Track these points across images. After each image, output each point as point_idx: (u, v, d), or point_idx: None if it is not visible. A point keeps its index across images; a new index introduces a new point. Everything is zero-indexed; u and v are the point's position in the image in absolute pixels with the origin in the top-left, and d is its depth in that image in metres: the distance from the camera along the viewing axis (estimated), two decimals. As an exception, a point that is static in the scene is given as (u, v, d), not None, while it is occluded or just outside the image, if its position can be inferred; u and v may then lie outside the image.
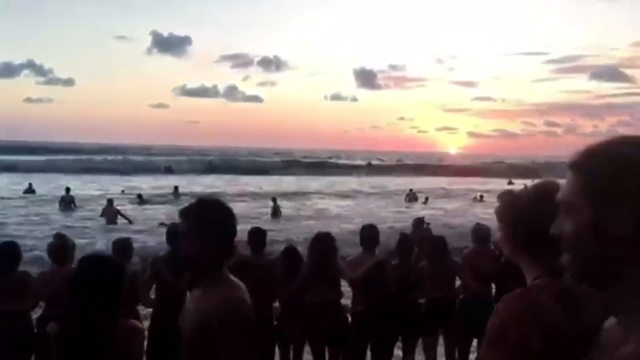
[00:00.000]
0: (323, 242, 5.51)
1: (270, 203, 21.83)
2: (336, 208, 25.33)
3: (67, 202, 22.21)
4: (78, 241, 6.43)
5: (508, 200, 1.86)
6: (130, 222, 18.01)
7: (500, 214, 1.87)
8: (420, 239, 6.67)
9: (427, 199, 28.48)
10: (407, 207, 25.66)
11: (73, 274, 2.76)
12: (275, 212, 20.99)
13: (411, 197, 28.94)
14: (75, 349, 2.59)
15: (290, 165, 57.18)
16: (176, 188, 27.74)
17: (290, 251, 5.87)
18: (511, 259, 1.87)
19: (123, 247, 5.33)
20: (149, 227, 16.71)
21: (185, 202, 3.90)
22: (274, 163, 60.19)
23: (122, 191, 28.80)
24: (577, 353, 1.63)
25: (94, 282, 2.62)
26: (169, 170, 47.41)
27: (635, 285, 1.19)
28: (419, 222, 10.88)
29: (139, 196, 25.11)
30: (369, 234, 5.69)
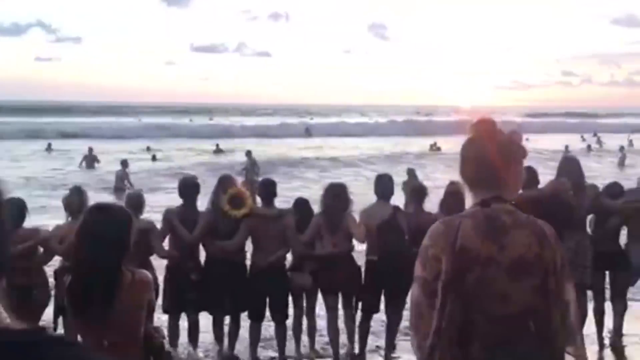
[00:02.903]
0: (335, 192, 5.49)
1: (245, 158, 20.88)
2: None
3: (90, 160, 22.59)
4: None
5: (465, 142, 2.08)
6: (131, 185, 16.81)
7: (460, 152, 2.10)
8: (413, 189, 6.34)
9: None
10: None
11: (80, 224, 2.75)
12: (253, 166, 19.57)
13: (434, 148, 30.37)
14: (83, 299, 2.61)
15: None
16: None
17: (301, 202, 5.88)
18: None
19: (135, 200, 5.35)
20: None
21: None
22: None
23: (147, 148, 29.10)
24: (496, 275, 1.85)
25: (100, 231, 2.61)
26: (308, 133, 43.88)
27: None
28: (412, 172, 11.49)
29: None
30: (383, 183, 5.64)
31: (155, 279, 4.92)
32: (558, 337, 1.87)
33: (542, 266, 1.86)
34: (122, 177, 17.16)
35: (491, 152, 1.96)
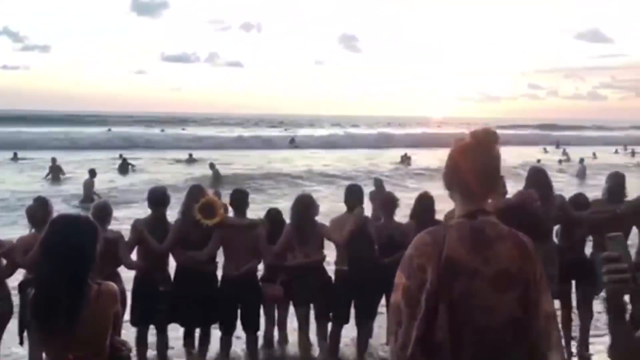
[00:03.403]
0: (302, 204, 5.50)
1: (210, 171, 21.62)
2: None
3: (55, 171, 21.98)
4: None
5: (461, 151, 2.01)
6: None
7: (454, 160, 2.05)
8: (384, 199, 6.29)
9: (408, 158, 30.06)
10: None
11: (44, 235, 2.68)
12: (217, 178, 20.75)
13: (406, 161, 30.01)
14: (47, 312, 2.54)
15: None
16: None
17: (273, 213, 5.86)
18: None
19: (102, 210, 5.25)
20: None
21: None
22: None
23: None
24: (480, 286, 1.87)
25: (64, 243, 2.55)
26: (293, 144, 43.29)
27: None
28: (379, 182, 11.63)
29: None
30: (353, 193, 5.65)
31: (123, 290, 4.84)
32: (539, 348, 1.89)
33: (523, 278, 1.89)
34: (90, 187, 16.92)
35: (492, 163, 1.96)
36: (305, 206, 5.47)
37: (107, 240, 4.81)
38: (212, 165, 21.97)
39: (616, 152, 40.14)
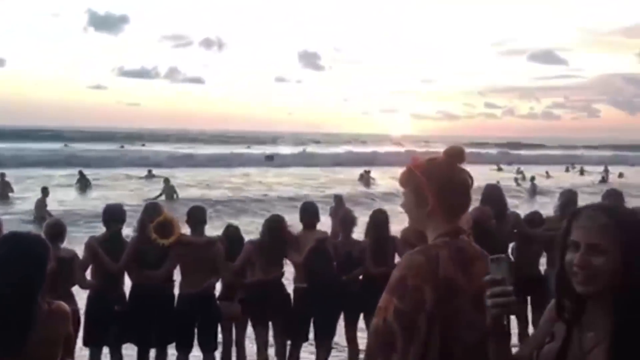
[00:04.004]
0: (275, 224, 5.48)
1: (162, 184, 21.67)
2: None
3: (3, 188, 21.08)
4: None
5: (442, 169, 1.96)
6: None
7: (408, 179, 1.99)
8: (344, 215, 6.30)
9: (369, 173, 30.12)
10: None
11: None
12: (171, 194, 20.84)
13: (365, 178, 29.80)
14: None
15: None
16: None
17: (231, 230, 5.81)
18: (416, 224, 2.02)
19: (54, 228, 5.11)
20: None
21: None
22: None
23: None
24: (465, 304, 1.87)
25: (13, 262, 2.48)
26: (269, 159, 42.90)
27: None
28: (339, 198, 11.61)
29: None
30: (309, 211, 5.67)
31: (76, 310, 4.72)
32: None
33: None
34: (43, 206, 16.47)
35: (468, 181, 1.97)
36: (280, 227, 5.45)
37: (61, 259, 4.69)
38: (166, 180, 21.70)
39: (567, 170, 41.35)
